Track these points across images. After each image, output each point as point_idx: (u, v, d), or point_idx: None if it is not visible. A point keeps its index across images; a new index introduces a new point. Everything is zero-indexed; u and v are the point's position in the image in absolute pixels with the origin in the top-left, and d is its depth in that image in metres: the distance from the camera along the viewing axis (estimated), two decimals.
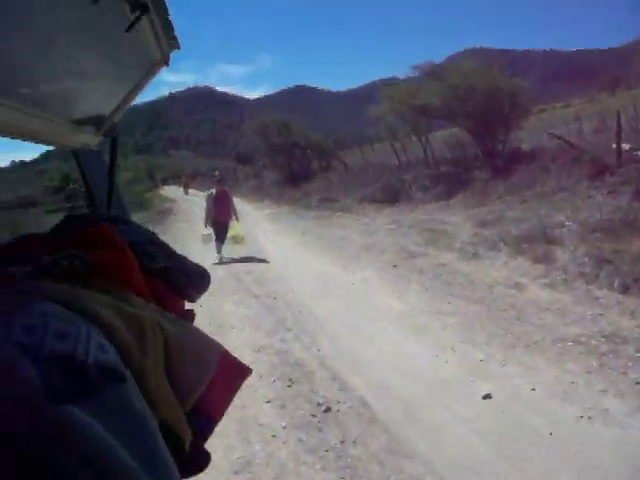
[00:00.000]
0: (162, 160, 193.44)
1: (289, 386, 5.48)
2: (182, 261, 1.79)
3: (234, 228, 13.09)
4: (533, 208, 12.15)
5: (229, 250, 13.34)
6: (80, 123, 2.09)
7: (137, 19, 1.51)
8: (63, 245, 1.32)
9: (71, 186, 50.91)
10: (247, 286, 9.85)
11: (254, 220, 20.92)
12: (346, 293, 8.54)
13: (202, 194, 47.54)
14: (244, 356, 6.25)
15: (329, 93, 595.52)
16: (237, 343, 6.72)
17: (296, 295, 8.86)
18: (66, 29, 1.49)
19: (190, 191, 48.77)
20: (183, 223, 23.11)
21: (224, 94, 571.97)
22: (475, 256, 9.67)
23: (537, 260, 8.48)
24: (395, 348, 6.13)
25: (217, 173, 18.30)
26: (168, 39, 1.99)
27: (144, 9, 1.47)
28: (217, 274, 10.69)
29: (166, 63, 2.17)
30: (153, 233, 1.86)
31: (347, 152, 37.13)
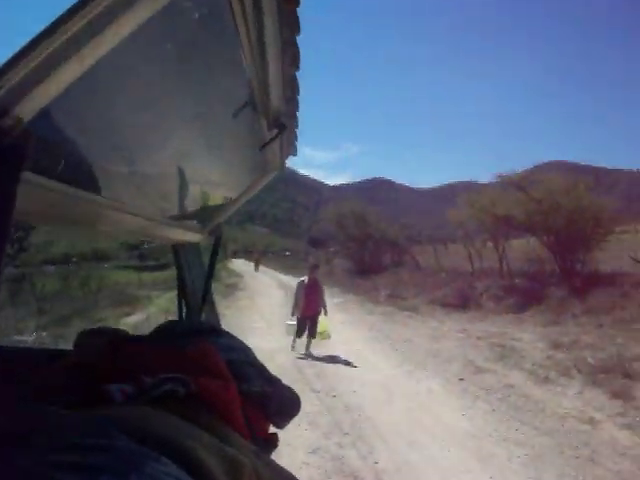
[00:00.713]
0: (237, 233, 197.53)
1: None
2: (278, 386, 1.73)
3: (322, 323, 12.27)
4: (610, 335, 11.73)
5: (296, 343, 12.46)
6: (188, 223, 2.11)
7: (275, 137, 1.52)
8: (165, 361, 1.29)
9: (145, 246, 52.40)
10: (308, 379, 9.66)
11: None
12: (410, 403, 8.23)
13: (270, 271, 48.22)
14: (298, 456, 6.09)
15: (407, 189, 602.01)
16: (291, 440, 6.54)
17: (357, 396, 8.63)
18: (201, 141, 1.51)
19: (260, 268, 49.26)
20: (248, 300, 23.17)
21: (305, 177, 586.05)
22: (546, 381, 9.29)
23: (614, 395, 8.07)
24: (457, 473, 5.81)
25: (311, 258, 17.50)
26: (289, 147, 2.00)
27: (282, 128, 1.48)
28: (277, 361, 10.58)
29: (281, 170, 2.18)
30: (250, 350, 1.81)
31: (420, 249, 37.12)
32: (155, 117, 1.19)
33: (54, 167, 0.85)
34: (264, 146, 1.51)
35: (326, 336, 12.24)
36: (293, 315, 12.46)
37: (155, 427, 0.96)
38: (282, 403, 1.69)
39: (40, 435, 0.85)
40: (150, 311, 18.24)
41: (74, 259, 43.33)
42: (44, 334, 13.97)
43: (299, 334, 12.20)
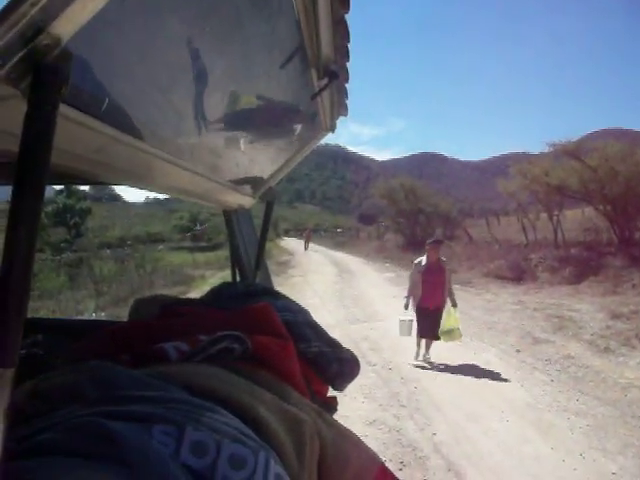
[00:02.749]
0: (287, 211, 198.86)
1: (400, 469, 5.23)
2: (336, 346, 1.69)
3: (449, 317, 8.99)
4: None
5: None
6: (239, 185, 2.07)
7: (326, 86, 1.47)
8: (221, 320, 1.27)
9: (198, 227, 53.20)
10: (363, 352, 9.64)
11: (374, 282, 20.74)
12: (468, 375, 8.16)
13: (321, 249, 48.33)
14: (356, 429, 6.08)
15: (458, 162, 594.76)
16: (349, 413, 6.54)
17: (413, 369, 8.60)
18: (248, 93, 1.47)
19: (310, 245, 49.21)
20: (300, 277, 23.26)
21: (354, 153, 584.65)
22: (607, 351, 9.10)
23: None
24: (517, 444, 5.72)
25: (436, 235, 11.43)
26: (340, 106, 1.95)
27: (333, 76, 1.43)
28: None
29: (332, 130, 2.13)
30: (307, 312, 1.78)
31: (472, 222, 36.75)
32: (201, 67, 1.15)
33: (98, 105, 0.82)
34: (315, 95, 1.47)
35: (456, 336, 8.98)
36: (407, 308, 9.51)
37: (212, 383, 0.93)
38: (341, 365, 1.65)
39: (95, 389, 0.83)
40: (204, 290, 18.46)
41: (129, 242, 44.25)
42: (103, 314, 14.33)
43: (419, 333, 9.28)
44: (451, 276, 9.60)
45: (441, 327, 8.92)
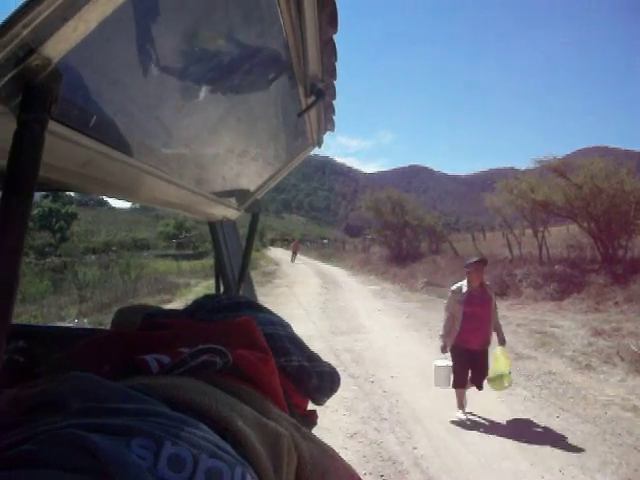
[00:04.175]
0: (273, 221, 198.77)
1: None
2: (316, 360, 1.70)
3: (498, 360, 7.04)
4: None
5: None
6: (225, 197, 2.09)
7: (313, 104, 1.49)
8: (203, 333, 1.29)
9: (183, 235, 53.11)
10: (345, 365, 9.64)
11: (358, 295, 20.78)
12: (449, 389, 8.15)
13: (308, 260, 48.26)
14: (337, 442, 6.07)
15: (445, 176, 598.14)
16: (330, 425, 6.54)
17: (395, 382, 8.60)
18: (236, 111, 1.49)
19: (298, 256, 49.01)
20: (285, 288, 23.24)
21: (342, 165, 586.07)
22: (588, 368, 9.15)
23: None
24: (497, 459, 5.74)
25: (472, 258, 7.56)
26: (327, 122, 1.97)
27: (320, 94, 1.45)
28: (313, 348, 10.58)
29: (319, 145, 2.15)
30: (289, 325, 1.79)
31: (458, 237, 36.92)
32: (188, 82, 1.16)
33: (86, 121, 0.83)
34: (302, 113, 1.49)
35: (507, 383, 7.02)
36: (445, 350, 7.26)
37: (192, 396, 0.94)
38: (321, 379, 1.65)
39: (76, 400, 0.84)
40: (189, 298, 18.42)
41: (114, 248, 44.07)
42: (85, 321, 14.25)
43: (458, 382, 7.19)
44: (496, 303, 7.42)
45: (489, 372, 7.10)
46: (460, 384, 7.14)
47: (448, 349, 7.20)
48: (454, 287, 7.33)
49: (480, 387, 7.17)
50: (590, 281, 16.24)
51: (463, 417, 7.01)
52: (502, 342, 7.20)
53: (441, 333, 7.33)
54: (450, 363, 7.18)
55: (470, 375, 7.18)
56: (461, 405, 7.19)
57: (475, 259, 7.23)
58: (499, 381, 6.97)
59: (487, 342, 7.14)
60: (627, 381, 8.32)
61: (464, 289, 7.13)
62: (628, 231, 17.62)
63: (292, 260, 46.51)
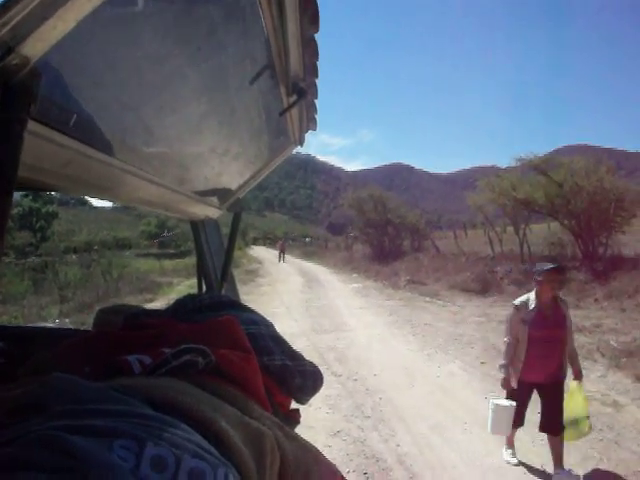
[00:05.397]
0: (256, 220, 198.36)
1: None
2: (299, 359, 1.70)
3: (574, 399, 5.40)
4: (634, 319, 11.61)
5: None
6: (206, 196, 2.08)
7: (294, 103, 1.49)
8: (185, 333, 1.27)
9: (165, 234, 52.82)
10: (328, 363, 9.65)
11: (341, 293, 20.81)
12: (431, 386, 8.20)
13: (290, 258, 48.04)
14: (320, 440, 6.07)
15: (427, 174, 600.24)
16: (313, 423, 6.54)
17: (378, 380, 8.61)
18: (218, 110, 1.48)
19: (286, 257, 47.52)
20: (268, 286, 23.23)
21: (324, 163, 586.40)
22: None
23: (638, 378, 7.99)
24: (480, 456, 5.78)
25: (552, 264, 5.47)
26: (309, 121, 1.97)
27: (301, 93, 1.45)
28: (295, 345, 10.58)
29: (301, 144, 2.15)
30: (271, 325, 1.79)
31: (440, 234, 37.10)
32: (169, 81, 1.16)
33: (66, 121, 0.82)
34: (284, 112, 1.48)
35: (585, 429, 5.39)
36: (509, 385, 5.60)
37: (174, 396, 0.93)
38: (304, 378, 1.65)
39: (57, 401, 0.83)
40: (171, 297, 18.36)
41: (95, 247, 43.70)
42: (67, 321, 14.13)
43: (516, 421, 5.57)
44: (571, 324, 5.57)
45: (565, 415, 5.38)
46: (517, 424, 5.65)
47: (513, 383, 5.54)
48: (517, 301, 5.67)
49: (554, 431, 5.40)
50: (571, 278, 16.36)
51: (514, 460, 5.70)
52: (579, 376, 5.48)
53: (502, 362, 5.67)
54: (514, 403, 5.47)
55: (540, 418, 5.61)
56: (512, 444, 5.89)
57: (550, 266, 5.43)
58: (574, 428, 5.40)
59: (560, 374, 5.47)
60: (607, 377, 8.39)
61: (531, 305, 5.45)
62: (608, 228, 17.79)
63: (280, 260, 45.30)
